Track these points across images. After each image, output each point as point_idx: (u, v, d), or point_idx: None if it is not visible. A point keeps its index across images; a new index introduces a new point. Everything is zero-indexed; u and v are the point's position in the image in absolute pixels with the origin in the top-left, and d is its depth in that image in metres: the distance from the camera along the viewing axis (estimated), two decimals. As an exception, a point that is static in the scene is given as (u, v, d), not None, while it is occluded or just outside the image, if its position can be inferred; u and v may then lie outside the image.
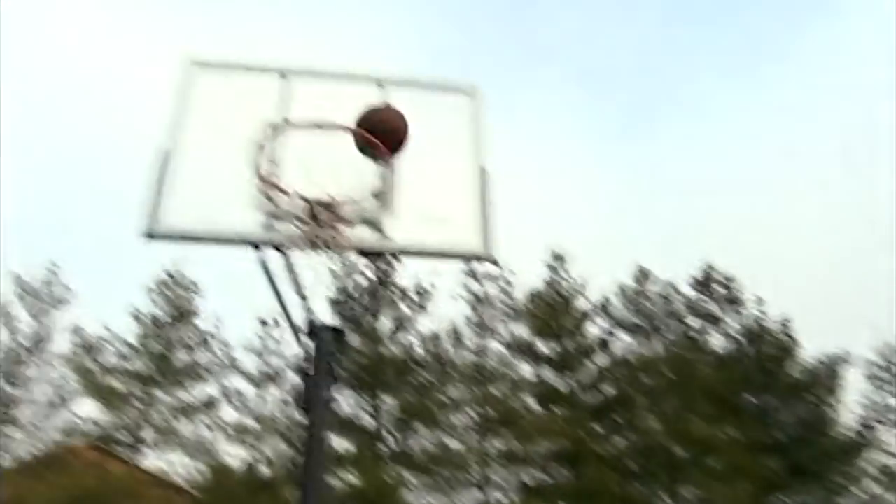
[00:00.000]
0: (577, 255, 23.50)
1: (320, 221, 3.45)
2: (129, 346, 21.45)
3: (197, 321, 21.94)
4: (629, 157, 43.96)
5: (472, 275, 21.71)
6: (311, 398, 3.82)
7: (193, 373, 21.37)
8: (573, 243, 23.60)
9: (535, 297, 22.77)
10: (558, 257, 23.30)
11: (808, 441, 21.81)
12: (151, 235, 3.48)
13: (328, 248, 3.47)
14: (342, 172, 3.52)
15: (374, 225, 3.55)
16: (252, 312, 22.21)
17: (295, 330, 3.86)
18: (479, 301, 21.92)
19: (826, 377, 22.59)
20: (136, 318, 21.74)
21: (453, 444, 20.42)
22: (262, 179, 3.46)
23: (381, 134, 3.59)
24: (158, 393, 21.06)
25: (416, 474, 19.53)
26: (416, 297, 20.35)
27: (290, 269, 3.72)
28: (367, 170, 3.58)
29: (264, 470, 20.52)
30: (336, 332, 4.01)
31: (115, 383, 20.87)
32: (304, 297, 3.93)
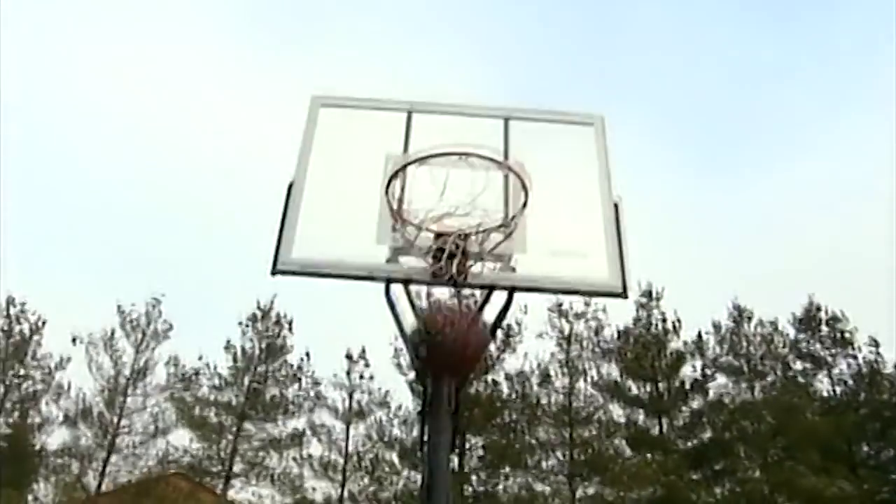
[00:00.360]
0: (670, 292, 22.64)
1: (448, 255, 3.34)
2: (222, 378, 22.08)
3: (287, 356, 22.42)
4: (723, 190, 42.42)
5: (560, 312, 21.28)
6: (430, 436, 3.66)
7: (283, 407, 21.73)
8: (665, 280, 22.68)
9: (625, 335, 22.02)
10: (649, 294, 22.51)
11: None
12: (278, 270, 3.46)
13: (456, 282, 3.34)
14: (469, 205, 3.42)
15: (502, 259, 3.41)
16: (341, 348, 22.57)
17: (416, 367, 3.74)
18: (567, 340, 21.38)
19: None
20: (230, 350, 22.40)
21: (540, 488, 19.79)
22: (391, 213, 3.40)
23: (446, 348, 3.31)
24: (248, 425, 21.49)
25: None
26: (503, 336, 20.08)
27: (413, 304, 3.62)
28: (494, 203, 3.46)
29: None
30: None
31: (209, 414, 21.47)
32: (421, 333, 3.82)
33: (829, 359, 22.70)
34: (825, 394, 22.34)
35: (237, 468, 21.10)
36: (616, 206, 3.65)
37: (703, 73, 46.07)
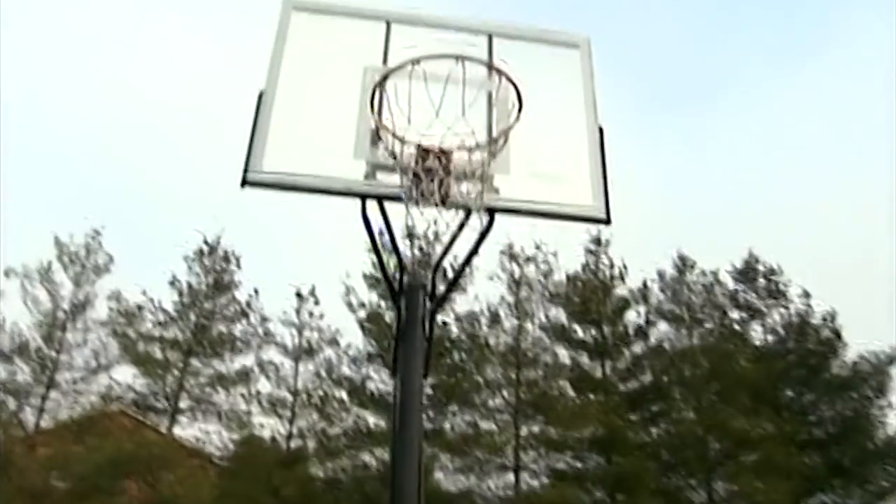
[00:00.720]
0: (618, 238, 23.06)
1: (430, 173, 3.22)
2: (168, 314, 21.59)
3: (235, 292, 22.01)
4: (674, 140, 43.04)
5: (511, 256, 21.49)
6: (403, 359, 3.61)
7: (230, 343, 21.46)
8: (613, 227, 23.01)
9: (573, 280, 22.45)
10: (598, 241, 22.92)
11: (851, 440, 21.25)
12: (248, 181, 3.29)
13: (437, 202, 3.24)
14: (453, 123, 3.29)
15: (485, 180, 3.31)
16: (289, 285, 22.35)
17: (391, 288, 3.65)
18: (517, 283, 21.68)
19: (873, 375, 21.95)
20: (175, 286, 21.86)
21: (486, 426, 20.32)
22: (372, 128, 3.24)
23: None
24: (195, 362, 21.19)
25: (448, 455, 19.45)
26: (453, 277, 20.10)
27: (388, 223, 3.51)
28: (479, 122, 3.34)
29: (296, 443, 20.67)
30: (431, 292, 3.81)
31: (153, 350, 21.06)
32: (398, 255, 3.73)
33: (764, 309, 23.72)
34: (757, 342, 23.39)
35: (183, 404, 20.88)
36: (601, 130, 3.58)
37: (657, 22, 46.09)
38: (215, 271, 21.92)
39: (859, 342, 22.35)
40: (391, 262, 3.83)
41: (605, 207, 3.36)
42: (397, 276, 3.76)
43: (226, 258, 22.10)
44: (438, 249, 3.76)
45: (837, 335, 22.98)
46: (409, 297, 3.72)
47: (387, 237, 3.56)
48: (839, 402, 22.41)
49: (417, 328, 3.66)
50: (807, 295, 23.29)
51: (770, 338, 23.45)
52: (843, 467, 21.05)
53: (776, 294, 23.89)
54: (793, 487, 18.92)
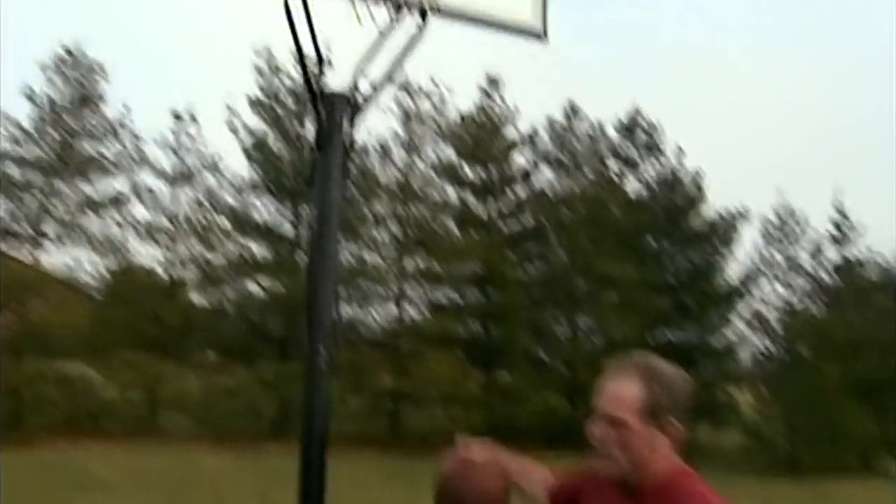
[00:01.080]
0: (512, 82, 22.97)
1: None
2: (25, 131, 19.48)
3: (103, 108, 20.05)
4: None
5: (406, 90, 20.95)
6: (321, 171, 3.46)
7: (99, 165, 19.89)
8: (510, 69, 22.83)
9: (466, 120, 22.38)
10: (493, 81, 22.71)
11: (696, 285, 23.77)
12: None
13: (368, -5, 2.97)
14: None
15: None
16: (165, 105, 20.78)
17: (311, 92, 3.42)
18: (409, 118, 21.32)
19: (724, 230, 24.18)
20: (31, 99, 19.59)
21: (372, 259, 20.76)
22: None
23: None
24: (60, 184, 19.58)
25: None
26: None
27: (309, 17, 3.20)
28: None
29: (178, 272, 20.26)
30: (352, 100, 3.62)
31: (10, 171, 19.15)
32: (320, 56, 3.46)
33: (640, 162, 24.98)
34: (631, 193, 24.82)
35: (49, 230, 19.53)
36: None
37: None
38: (79, 83, 19.73)
39: (723, 200, 24.36)
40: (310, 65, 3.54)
41: (543, 21, 3.23)
42: (316, 80, 3.51)
43: (91, 69, 19.87)
44: (364, 52, 3.53)
45: (700, 192, 24.83)
46: (331, 103, 3.51)
47: (308, 33, 3.26)
48: (692, 252, 24.69)
49: (338, 137, 3.50)
50: (681, 152, 24.69)
51: (643, 190, 24.92)
52: (687, 308, 23.67)
53: (653, 149, 25.09)
54: (642, 324, 21.15)
